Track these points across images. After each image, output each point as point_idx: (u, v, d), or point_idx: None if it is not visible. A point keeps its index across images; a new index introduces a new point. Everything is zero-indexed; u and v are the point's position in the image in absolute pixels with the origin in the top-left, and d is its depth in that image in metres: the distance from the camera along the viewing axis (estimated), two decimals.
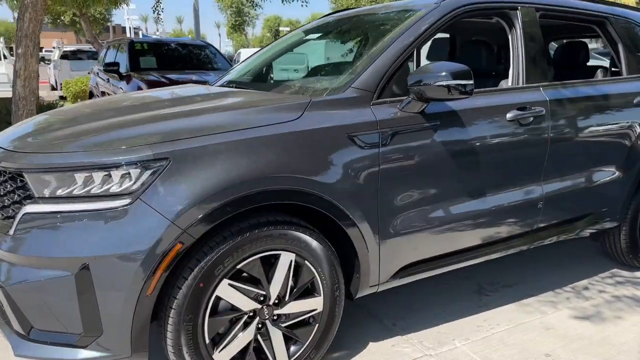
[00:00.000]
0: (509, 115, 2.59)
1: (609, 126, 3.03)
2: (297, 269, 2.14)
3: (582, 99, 2.92)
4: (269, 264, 2.07)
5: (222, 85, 3.08)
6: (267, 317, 2.09)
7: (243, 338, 2.05)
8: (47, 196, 1.84)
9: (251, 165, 1.93)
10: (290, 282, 2.13)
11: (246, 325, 2.06)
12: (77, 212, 1.81)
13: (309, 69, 3.16)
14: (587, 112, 2.93)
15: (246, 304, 2.03)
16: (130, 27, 43.69)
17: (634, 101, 3.14)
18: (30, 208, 1.84)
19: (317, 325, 2.23)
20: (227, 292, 1.96)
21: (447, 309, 2.95)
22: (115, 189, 1.81)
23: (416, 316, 2.86)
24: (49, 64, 21.47)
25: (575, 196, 2.97)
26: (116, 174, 1.81)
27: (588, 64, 3.78)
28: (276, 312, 2.12)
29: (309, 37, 3.32)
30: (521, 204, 2.73)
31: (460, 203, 2.51)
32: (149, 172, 1.81)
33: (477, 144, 2.50)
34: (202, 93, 2.86)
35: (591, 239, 3.49)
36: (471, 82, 2.23)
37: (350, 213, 2.16)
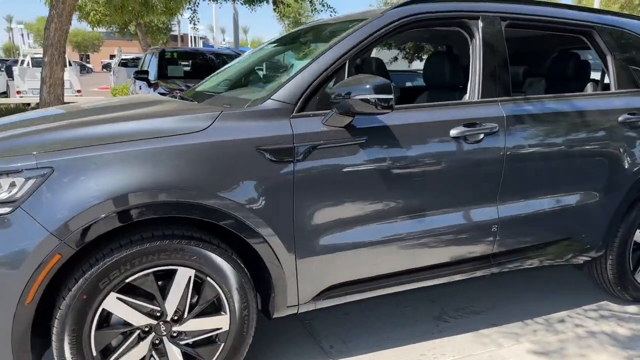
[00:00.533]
0: (453, 132, 2.42)
1: (585, 146, 2.77)
2: (199, 286, 2.07)
3: (551, 115, 2.69)
4: (168, 278, 2.02)
5: (180, 96, 3.06)
6: (165, 333, 2.04)
7: (136, 353, 2.00)
8: None
9: (141, 177, 1.89)
10: (192, 299, 2.07)
11: (141, 339, 2.01)
12: None
13: (251, 80, 3.09)
14: (556, 129, 2.69)
15: (138, 319, 1.98)
16: (194, 37, 45.22)
17: (619, 119, 2.86)
18: None
19: (222, 344, 2.15)
20: (114, 306, 1.93)
21: (397, 333, 2.78)
22: (2, 196, 1.82)
23: (360, 339, 2.72)
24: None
25: (543, 220, 2.73)
26: (5, 182, 1.83)
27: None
28: (175, 328, 2.06)
29: (269, 48, 3.26)
30: (469, 226, 2.53)
31: (392, 223, 2.36)
32: (31, 181, 1.81)
33: (411, 161, 2.34)
34: (135, 102, 2.85)
35: (576, 268, 3.21)
36: (390, 96, 2.10)
37: (259, 230, 2.08)
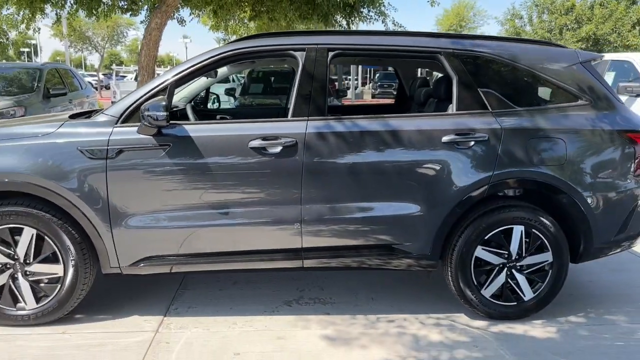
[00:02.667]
0: (253, 143, 2.99)
1: (395, 162, 3.05)
2: (42, 240, 3.00)
3: (357, 133, 3.05)
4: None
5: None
6: (19, 270, 3.02)
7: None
8: None
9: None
10: (37, 249, 3.00)
11: (2, 272, 3.02)
12: None
13: None
14: (363, 146, 3.04)
15: None
16: None
17: (443, 139, 3.07)
18: None
19: (59, 286, 3.05)
20: None
21: (241, 307, 3.37)
22: None
23: (204, 307, 3.38)
24: None
25: (352, 224, 3.09)
26: None
27: None
28: (26, 268, 3.02)
29: None
30: (274, 221, 3.05)
31: (196, 214, 3.01)
32: None
33: (210, 165, 2.97)
34: (52, 114, 3.92)
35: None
36: (162, 113, 2.80)
37: (81, 208, 2.94)
